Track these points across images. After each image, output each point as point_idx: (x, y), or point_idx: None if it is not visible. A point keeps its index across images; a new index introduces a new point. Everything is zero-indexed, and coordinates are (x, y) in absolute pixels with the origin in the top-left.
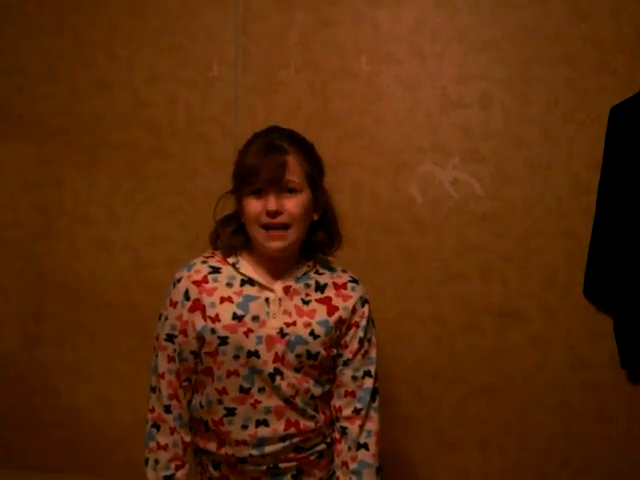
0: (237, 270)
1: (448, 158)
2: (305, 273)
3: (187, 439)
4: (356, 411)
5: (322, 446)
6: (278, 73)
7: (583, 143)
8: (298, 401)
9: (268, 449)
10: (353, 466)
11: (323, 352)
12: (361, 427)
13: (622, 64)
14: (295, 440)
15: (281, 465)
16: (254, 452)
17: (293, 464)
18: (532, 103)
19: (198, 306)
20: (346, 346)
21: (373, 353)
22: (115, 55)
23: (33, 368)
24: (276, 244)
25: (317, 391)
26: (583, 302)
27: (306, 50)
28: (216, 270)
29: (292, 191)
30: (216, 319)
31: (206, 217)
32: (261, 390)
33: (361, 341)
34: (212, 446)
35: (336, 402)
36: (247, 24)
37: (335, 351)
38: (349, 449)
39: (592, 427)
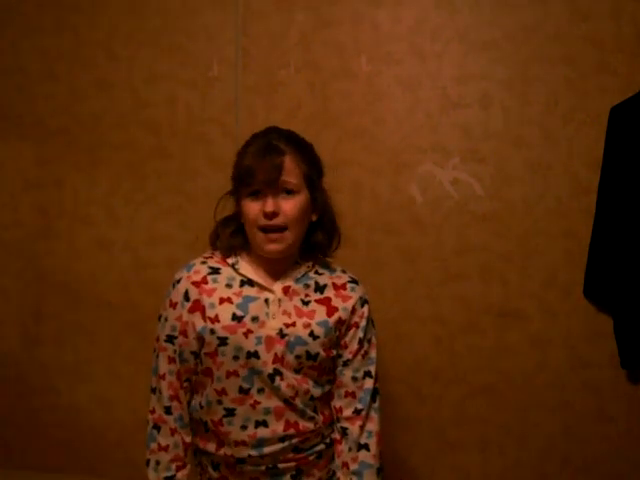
0: (236, 271)
1: (448, 158)
2: (304, 274)
3: (188, 440)
4: (356, 412)
5: (321, 446)
6: (278, 73)
7: (583, 143)
8: (298, 402)
9: (267, 450)
10: (354, 467)
11: (322, 353)
12: (362, 428)
13: (622, 64)
14: (294, 441)
15: (280, 465)
16: (253, 452)
17: (292, 464)
18: (532, 103)
19: (198, 307)
20: (346, 347)
21: (373, 353)
22: (115, 55)
23: (33, 368)
24: (274, 246)
25: (317, 392)
26: (583, 302)
27: (306, 50)
28: (215, 271)
29: (289, 192)
30: (215, 320)
31: (206, 217)
32: (260, 391)
33: (361, 341)
34: (211, 447)
35: (336, 403)
36: (247, 24)
37: (335, 352)
38: (350, 450)
39: (592, 427)
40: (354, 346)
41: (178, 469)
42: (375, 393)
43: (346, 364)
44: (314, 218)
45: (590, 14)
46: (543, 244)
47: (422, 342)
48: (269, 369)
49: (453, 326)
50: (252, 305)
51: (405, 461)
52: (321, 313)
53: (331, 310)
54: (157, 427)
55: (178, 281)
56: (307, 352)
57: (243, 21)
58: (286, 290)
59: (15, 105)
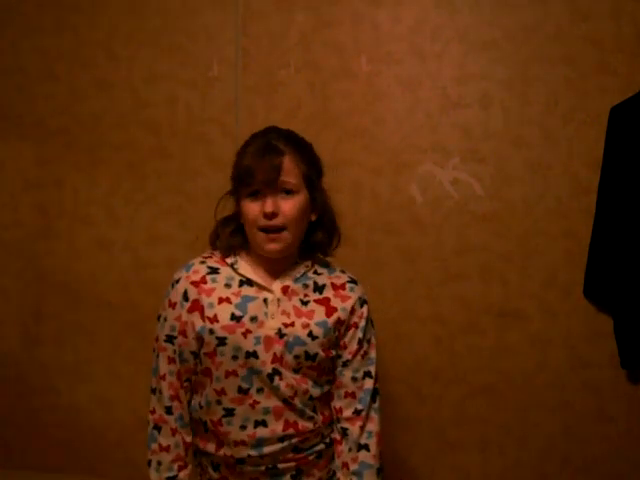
0: (235, 271)
1: (448, 158)
2: (303, 273)
3: (188, 440)
4: (356, 412)
5: (321, 446)
6: (278, 73)
7: (583, 143)
8: (297, 402)
9: (267, 449)
10: (354, 467)
11: (322, 353)
12: (362, 428)
13: (622, 64)
14: (294, 441)
15: (280, 466)
16: (253, 452)
17: (292, 464)
18: (532, 103)
19: (197, 306)
20: (345, 347)
21: (373, 354)
22: (115, 55)
23: (33, 368)
24: (273, 246)
25: (316, 392)
26: (583, 302)
27: (306, 50)
28: (214, 271)
29: (289, 192)
30: (214, 320)
31: (206, 217)
32: (260, 391)
33: (360, 342)
34: (211, 447)
35: (336, 403)
36: (247, 24)
37: (334, 352)
38: (350, 450)
39: (592, 427)
40: (353, 346)
41: (180, 469)
42: (375, 393)
43: (346, 364)
44: (313, 218)
45: (590, 14)
46: (543, 244)
47: (422, 342)
48: (268, 369)
49: (453, 326)
50: (251, 305)
51: (405, 461)
52: (320, 313)
53: (330, 310)
54: (158, 427)
55: (177, 281)
56: (306, 352)
57: (243, 21)
58: (285, 290)
59: (15, 105)
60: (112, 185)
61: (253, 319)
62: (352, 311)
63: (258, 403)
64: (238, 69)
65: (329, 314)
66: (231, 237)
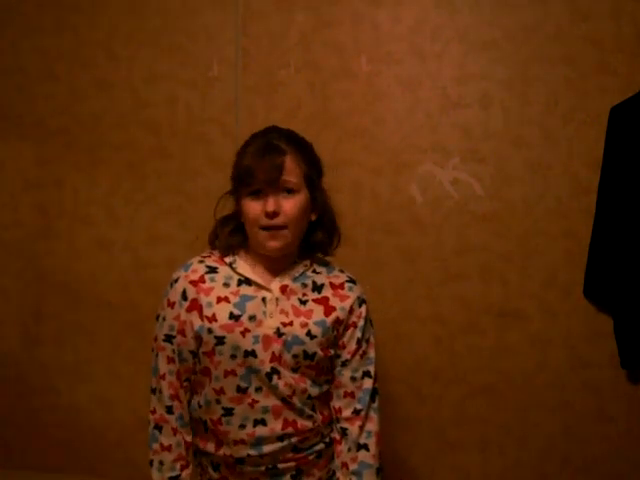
0: (234, 270)
1: (448, 158)
2: (302, 273)
3: (189, 439)
4: (356, 412)
5: (320, 446)
6: (278, 73)
7: (583, 143)
8: (295, 401)
9: (266, 449)
10: (353, 467)
11: (320, 352)
12: (361, 428)
13: (622, 64)
14: (293, 440)
15: (280, 465)
16: (252, 452)
17: (292, 464)
18: (532, 103)
19: (195, 306)
20: (344, 347)
21: (372, 353)
22: (115, 55)
23: (33, 368)
24: (274, 243)
25: (314, 391)
26: (583, 302)
27: (306, 50)
28: (213, 270)
29: (290, 192)
30: (213, 319)
31: (206, 217)
32: (258, 390)
33: (359, 341)
34: (211, 447)
35: (335, 403)
36: (247, 24)
37: (332, 352)
38: (349, 450)
39: (592, 427)
40: (352, 346)
41: (182, 468)
42: (374, 393)
43: (345, 364)
44: (314, 218)
45: (590, 14)
46: (543, 244)
47: (422, 342)
48: (266, 368)
49: (453, 326)
50: (249, 304)
51: (405, 461)
52: (319, 313)
53: (329, 310)
54: (159, 427)
55: (176, 280)
56: (304, 351)
57: (243, 21)
58: (284, 289)
59: (15, 105)
60: (112, 185)
61: (252, 318)
62: (351, 311)
63: (257, 402)
64: (238, 69)
65: (327, 313)
66: (230, 236)
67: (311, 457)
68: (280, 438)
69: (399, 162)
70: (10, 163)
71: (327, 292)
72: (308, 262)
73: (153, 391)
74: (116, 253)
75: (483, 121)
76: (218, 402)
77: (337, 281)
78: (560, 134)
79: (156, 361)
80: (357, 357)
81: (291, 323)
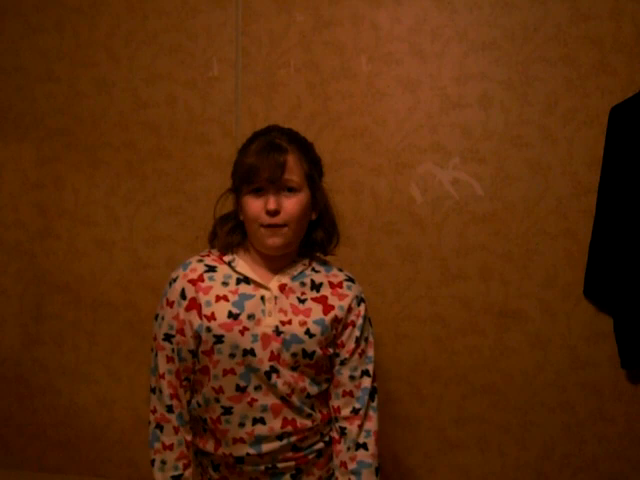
0: (233, 269)
1: (448, 158)
2: (301, 272)
3: (189, 438)
4: (355, 411)
5: (320, 445)
6: (278, 73)
7: (583, 143)
8: (294, 399)
9: (265, 447)
10: (352, 466)
11: (319, 351)
12: (360, 427)
13: (622, 64)
14: (292, 439)
15: (279, 465)
16: (251, 451)
17: (292, 464)
18: (532, 103)
19: (194, 305)
20: (343, 345)
21: (371, 352)
22: (115, 55)
23: (33, 368)
24: (274, 240)
25: (313, 390)
26: (583, 302)
27: (306, 50)
28: (212, 269)
29: (291, 190)
30: (212, 318)
31: (206, 217)
32: (257, 388)
33: (358, 340)
34: (210, 446)
35: (334, 402)
36: (247, 24)
37: (331, 350)
38: (348, 449)
39: (592, 427)
40: (351, 345)
41: (185, 467)
42: (373, 392)
43: (343, 363)
44: (314, 217)
45: (590, 14)
46: (543, 244)
47: (422, 342)
48: (265, 366)
49: (453, 326)
50: (248, 303)
51: (405, 461)
52: (317, 311)
53: (327, 308)
54: (160, 426)
55: (174, 279)
56: (303, 350)
57: (243, 21)
58: (282, 288)
59: (15, 105)
60: (112, 185)
61: (250, 317)
62: (349, 309)
63: (256, 401)
64: (238, 69)
65: (326, 312)
66: (229, 235)
67: (311, 456)
68: (279, 437)
69: (399, 162)
70: (10, 163)
71: (326, 291)
72: (307, 261)
73: (153, 390)
74: (116, 253)
75: (483, 121)
76: (217, 401)
77: (336, 280)
78: (560, 134)
79: (155, 360)
80: (356, 356)
81: (290, 322)
